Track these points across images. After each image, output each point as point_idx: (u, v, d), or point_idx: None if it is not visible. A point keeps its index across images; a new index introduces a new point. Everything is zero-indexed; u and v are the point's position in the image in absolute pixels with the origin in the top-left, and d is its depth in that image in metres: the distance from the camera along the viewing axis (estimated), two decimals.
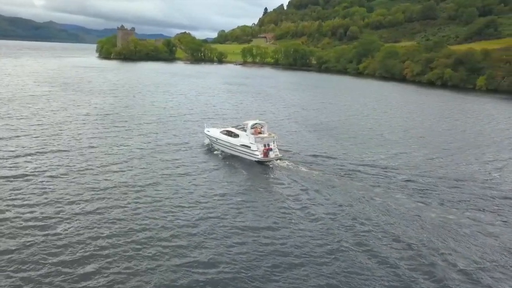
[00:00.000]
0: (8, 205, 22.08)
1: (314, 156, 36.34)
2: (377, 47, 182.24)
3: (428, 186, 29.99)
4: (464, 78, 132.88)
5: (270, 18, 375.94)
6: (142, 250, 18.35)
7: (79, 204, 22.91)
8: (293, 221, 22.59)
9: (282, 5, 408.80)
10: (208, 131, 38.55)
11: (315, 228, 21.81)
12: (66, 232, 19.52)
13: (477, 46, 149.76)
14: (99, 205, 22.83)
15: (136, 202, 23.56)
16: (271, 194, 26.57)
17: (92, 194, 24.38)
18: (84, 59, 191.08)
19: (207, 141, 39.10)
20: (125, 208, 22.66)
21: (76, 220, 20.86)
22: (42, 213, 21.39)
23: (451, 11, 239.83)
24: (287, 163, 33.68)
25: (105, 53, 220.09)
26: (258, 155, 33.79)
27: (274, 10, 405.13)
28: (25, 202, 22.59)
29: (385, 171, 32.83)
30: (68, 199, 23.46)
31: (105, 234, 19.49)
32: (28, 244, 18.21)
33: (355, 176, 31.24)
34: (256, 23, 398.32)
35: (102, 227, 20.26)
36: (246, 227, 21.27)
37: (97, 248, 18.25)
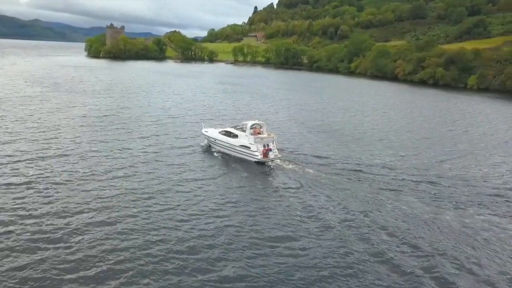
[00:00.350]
0: (12, 216, 20.94)
1: (320, 158, 35.82)
2: (368, 46, 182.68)
3: (439, 188, 29.65)
4: (455, 77, 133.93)
5: (260, 17, 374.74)
6: (161, 263, 17.42)
7: (88, 213, 21.86)
8: (310, 229, 21.81)
9: (272, 3, 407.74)
10: (206, 131, 37.94)
11: (333, 237, 21.09)
12: (78, 244, 18.49)
13: (467, 46, 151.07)
14: (108, 215, 21.81)
15: (147, 211, 22.58)
16: (283, 200, 25.77)
17: (100, 202, 23.33)
18: (72, 58, 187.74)
19: (205, 141, 38.44)
20: (137, 218, 21.67)
21: (86, 231, 19.82)
22: (49, 224, 20.30)
23: (441, 11, 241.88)
24: (292, 165, 33.08)
25: (94, 52, 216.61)
26: (257, 155, 33.39)
27: (264, 8, 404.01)
28: (31, 213, 21.46)
29: (394, 174, 32.43)
30: (75, 208, 22.38)
31: (119, 247, 18.50)
32: (39, 259, 17.14)
33: (364, 179, 30.78)
34: (246, 22, 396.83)
35: (115, 238, 19.26)
36: (265, 238, 20.45)
37: (113, 262, 17.27)
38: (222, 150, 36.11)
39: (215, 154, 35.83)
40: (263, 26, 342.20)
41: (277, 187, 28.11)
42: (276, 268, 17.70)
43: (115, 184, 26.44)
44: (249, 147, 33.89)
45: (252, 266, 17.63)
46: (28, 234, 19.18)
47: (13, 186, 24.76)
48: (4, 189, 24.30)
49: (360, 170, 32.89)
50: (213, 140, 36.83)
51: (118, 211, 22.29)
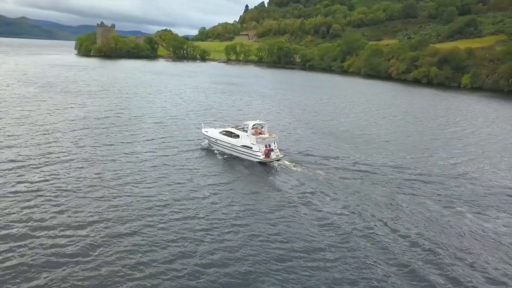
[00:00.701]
0: (23, 227, 19.74)
1: (330, 159, 35.28)
2: (361, 45, 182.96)
3: (455, 191, 29.24)
4: (449, 76, 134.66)
5: (252, 16, 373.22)
6: (188, 278, 16.47)
7: (102, 223, 20.76)
8: (332, 238, 20.94)
9: (263, 2, 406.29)
10: (206, 132, 37.45)
11: (357, 247, 20.19)
12: (98, 259, 17.41)
13: (459, 45, 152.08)
14: (124, 225, 20.72)
15: (165, 221, 21.51)
16: (299, 206, 24.83)
17: (113, 211, 22.22)
18: (63, 57, 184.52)
19: (205, 141, 37.87)
20: (154, 228, 20.60)
21: (104, 243, 18.72)
22: (64, 236, 19.16)
23: (431, 10, 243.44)
24: (301, 168, 32.29)
25: (85, 50, 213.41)
26: (259, 155, 33.02)
27: (255, 7, 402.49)
28: (42, 224, 20.27)
29: (407, 176, 31.91)
30: (89, 218, 21.24)
31: (142, 260, 17.48)
32: (58, 276, 16.01)
33: (377, 181, 30.23)
34: (237, 21, 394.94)
35: (136, 251, 18.22)
36: (290, 249, 19.54)
37: (138, 277, 16.27)
38: (224, 150, 35.66)
39: (218, 156, 35.05)
40: (254, 24, 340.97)
41: (291, 193, 27.13)
42: (308, 282, 16.90)
43: (127, 191, 25.34)
44: (251, 147, 33.54)
45: (285, 281, 16.78)
46: (43, 248, 18.03)
47: (20, 195, 23.53)
48: (11, 198, 23.07)
49: (373, 172, 32.36)
50: (214, 140, 36.37)
51: (134, 221, 21.24)
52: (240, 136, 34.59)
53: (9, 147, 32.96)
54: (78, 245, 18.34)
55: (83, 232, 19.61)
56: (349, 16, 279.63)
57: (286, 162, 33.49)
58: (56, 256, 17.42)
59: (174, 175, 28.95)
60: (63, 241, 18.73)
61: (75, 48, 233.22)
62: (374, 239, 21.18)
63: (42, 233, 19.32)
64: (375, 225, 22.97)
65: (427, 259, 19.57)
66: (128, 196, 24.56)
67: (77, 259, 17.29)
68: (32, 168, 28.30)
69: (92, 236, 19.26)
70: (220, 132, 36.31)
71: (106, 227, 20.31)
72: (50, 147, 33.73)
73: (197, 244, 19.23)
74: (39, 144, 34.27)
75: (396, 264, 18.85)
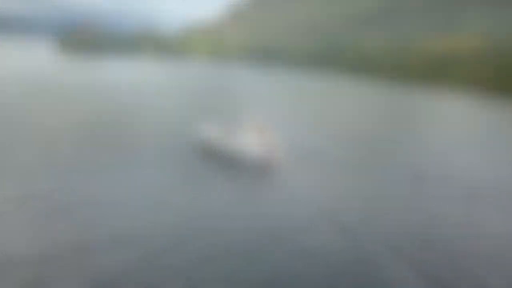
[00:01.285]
0: (46, 248, 17.95)
1: (336, 160, 34.81)
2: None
3: (472, 193, 28.66)
4: (438, 75, 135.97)
5: (238, 13, 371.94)
6: None
7: (133, 240, 19.05)
8: (356, 246, 19.97)
9: None
10: (206, 132, 36.97)
11: (382, 255, 19.08)
12: (142, 283, 15.83)
13: (447, 43, 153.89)
14: (157, 241, 19.12)
15: (195, 235, 19.96)
16: (316, 211, 23.87)
17: (138, 227, 20.50)
18: (43, 55, 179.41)
19: (204, 143, 37.18)
20: (187, 244, 19.08)
21: (142, 264, 17.03)
22: (96, 255, 17.54)
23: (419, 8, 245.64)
24: (309, 169, 31.55)
25: (67, 48, 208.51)
26: (259, 156, 32.85)
27: (239, 4, 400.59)
28: (67, 241, 18.49)
29: (421, 176, 31.47)
30: (116, 233, 19.54)
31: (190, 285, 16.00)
32: None
33: (390, 183, 29.64)
34: (222, 18, 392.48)
35: (180, 269, 16.67)
36: (324, 263, 18.25)
37: None
38: (223, 150, 35.07)
39: (219, 158, 33.97)
40: (240, 22, 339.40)
41: (304, 197, 25.91)
42: None
43: (145, 203, 23.60)
44: (251, 147, 33.16)
45: None
46: (76, 269, 16.37)
47: (30, 208, 21.69)
48: (22, 211, 21.25)
49: (383, 173, 31.94)
50: (213, 140, 35.98)
51: (163, 236, 19.59)
52: (239, 136, 34.34)
53: (7, 154, 30.93)
54: (115, 265, 16.71)
55: (116, 251, 17.89)
56: None
57: (292, 164, 32.67)
58: (95, 281, 15.73)
59: (186, 183, 27.36)
60: (98, 260, 17.04)
61: (56, 45, 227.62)
62: (397, 247, 20.12)
63: (69, 254, 17.53)
64: (396, 231, 21.96)
65: (452, 266, 18.61)
66: (148, 209, 22.84)
67: (120, 281, 15.65)
68: (37, 177, 26.40)
69: (127, 254, 17.62)
70: (219, 132, 36.05)
71: (138, 245, 18.60)
72: (53, 152, 31.92)
73: (237, 259, 17.87)
74: (43, 149, 32.34)
75: (423, 274, 17.82)
